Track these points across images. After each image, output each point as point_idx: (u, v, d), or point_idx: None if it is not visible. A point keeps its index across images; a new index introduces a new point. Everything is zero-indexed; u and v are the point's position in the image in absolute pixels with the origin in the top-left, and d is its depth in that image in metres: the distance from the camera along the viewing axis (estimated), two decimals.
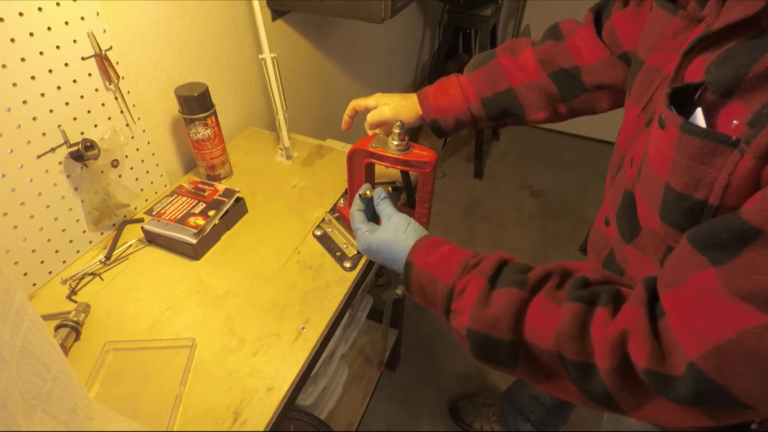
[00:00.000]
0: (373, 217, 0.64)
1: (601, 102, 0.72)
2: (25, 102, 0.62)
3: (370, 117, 0.78)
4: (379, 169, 0.73)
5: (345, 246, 0.77)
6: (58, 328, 0.62)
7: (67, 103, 0.67)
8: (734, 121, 0.36)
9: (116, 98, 0.74)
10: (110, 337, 0.63)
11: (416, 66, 2.35)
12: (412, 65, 2.30)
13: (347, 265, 0.73)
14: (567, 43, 0.71)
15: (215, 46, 0.96)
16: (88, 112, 0.71)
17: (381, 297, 0.92)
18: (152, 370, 0.59)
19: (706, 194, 0.38)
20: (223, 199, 0.79)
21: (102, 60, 0.70)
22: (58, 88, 0.65)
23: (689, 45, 0.42)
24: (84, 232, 0.75)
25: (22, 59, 0.60)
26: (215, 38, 0.95)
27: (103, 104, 0.72)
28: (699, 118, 0.38)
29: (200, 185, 0.83)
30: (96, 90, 0.71)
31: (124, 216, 0.81)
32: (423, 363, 1.58)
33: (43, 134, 0.65)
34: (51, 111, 0.65)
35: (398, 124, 0.61)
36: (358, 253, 0.75)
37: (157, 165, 0.86)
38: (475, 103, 0.72)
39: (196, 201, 0.79)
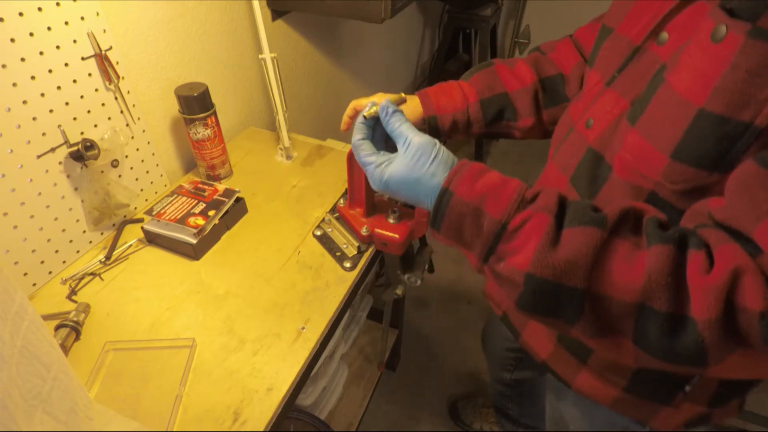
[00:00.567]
0: (382, 141, 0.54)
1: None
2: (25, 102, 0.62)
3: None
4: None
5: (345, 246, 0.77)
6: (58, 328, 0.62)
7: (67, 103, 0.67)
8: None
9: (116, 98, 0.74)
10: (110, 337, 0.63)
11: (416, 66, 2.35)
12: (412, 65, 2.30)
13: (347, 265, 0.73)
14: (550, 56, 0.75)
15: (215, 46, 0.96)
16: (88, 112, 0.71)
17: (381, 297, 0.92)
18: (152, 370, 0.59)
19: (754, 114, 0.37)
20: (223, 199, 0.79)
21: (102, 60, 0.70)
22: (58, 88, 0.65)
23: None
24: (84, 232, 0.75)
25: (22, 59, 0.60)
26: (215, 38, 0.95)
27: (103, 104, 0.72)
28: None
29: (200, 185, 0.83)
30: (96, 90, 0.71)
31: (124, 216, 0.81)
32: (423, 363, 1.58)
33: (43, 134, 0.65)
34: (51, 111, 0.65)
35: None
36: (358, 252, 0.75)
37: (157, 165, 0.86)
38: (474, 104, 0.73)
39: (196, 201, 0.79)
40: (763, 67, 0.36)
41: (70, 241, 0.73)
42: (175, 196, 0.80)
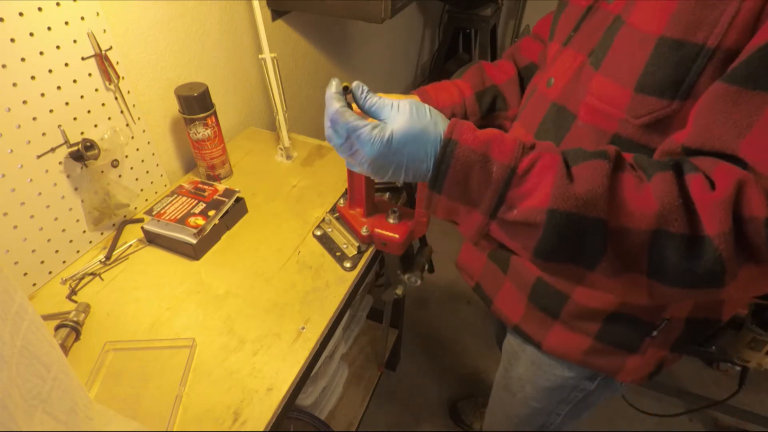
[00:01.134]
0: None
1: None
2: (25, 102, 0.62)
3: None
4: None
5: (345, 246, 0.77)
6: (58, 328, 0.62)
7: (67, 103, 0.67)
8: None
9: (116, 98, 0.74)
10: (110, 337, 0.63)
11: (416, 66, 2.35)
12: (412, 65, 2.30)
13: (347, 265, 0.73)
14: (521, 50, 0.80)
15: (215, 46, 0.96)
16: (88, 112, 0.71)
17: (381, 297, 0.92)
18: (152, 370, 0.59)
19: (706, 35, 0.39)
20: (223, 199, 0.79)
21: (102, 60, 0.70)
22: (58, 88, 0.65)
23: None
24: (84, 232, 0.75)
25: (22, 59, 0.60)
26: (215, 38, 0.95)
27: (103, 104, 0.72)
28: None
29: (200, 185, 0.83)
30: (96, 90, 0.71)
31: (124, 216, 0.81)
32: (423, 363, 1.58)
33: (43, 134, 0.65)
34: (51, 111, 0.65)
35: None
36: (358, 252, 0.75)
37: (157, 165, 0.86)
38: (469, 97, 0.75)
39: (196, 201, 0.79)
40: None
41: (70, 241, 0.73)
42: (175, 196, 0.80)
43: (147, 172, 0.84)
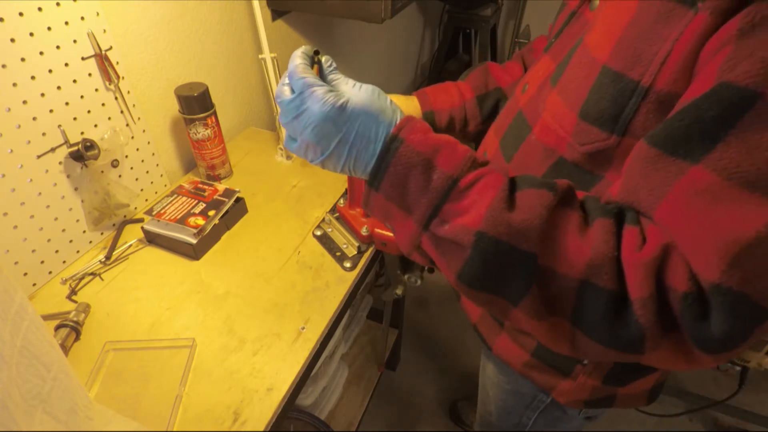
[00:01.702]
0: None
1: None
2: (25, 102, 0.62)
3: None
4: None
5: (345, 246, 0.77)
6: (58, 328, 0.62)
7: (67, 103, 0.67)
8: None
9: (116, 98, 0.74)
10: (110, 337, 0.63)
11: (416, 66, 2.35)
12: (412, 65, 2.30)
13: (347, 265, 0.73)
14: (533, 47, 0.77)
15: (215, 46, 0.96)
16: (88, 112, 0.71)
17: (381, 297, 0.92)
18: (152, 370, 0.59)
19: (642, 71, 0.37)
20: (223, 199, 0.79)
21: (102, 60, 0.70)
22: (58, 88, 0.65)
23: None
24: (84, 232, 0.75)
25: (22, 59, 0.60)
26: (215, 38, 0.95)
27: (103, 104, 0.72)
28: None
29: (200, 185, 0.83)
30: (96, 90, 0.71)
31: (124, 216, 0.81)
32: (423, 363, 1.58)
33: (43, 134, 0.65)
34: (51, 111, 0.65)
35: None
36: (358, 252, 0.75)
37: (157, 165, 0.86)
38: (470, 100, 0.73)
39: (196, 201, 0.79)
40: (655, 22, 0.37)
41: (70, 241, 0.73)
42: (175, 196, 0.80)
43: (147, 172, 0.84)
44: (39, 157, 0.65)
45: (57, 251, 0.71)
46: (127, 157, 0.79)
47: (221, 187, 0.82)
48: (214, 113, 0.84)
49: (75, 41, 0.66)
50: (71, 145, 0.68)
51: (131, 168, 0.81)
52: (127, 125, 0.78)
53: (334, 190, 0.89)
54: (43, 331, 0.44)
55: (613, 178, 0.43)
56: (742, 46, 0.30)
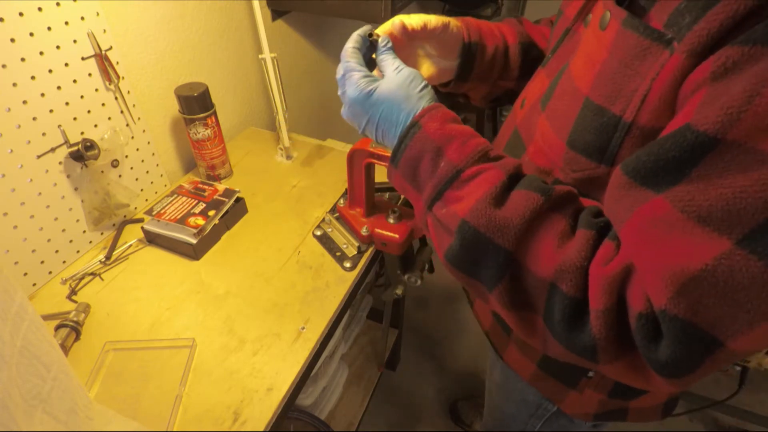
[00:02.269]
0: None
1: None
2: (25, 102, 0.62)
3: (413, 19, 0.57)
4: (379, 169, 0.73)
5: (345, 246, 0.77)
6: (58, 328, 0.62)
7: (67, 103, 0.67)
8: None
9: (116, 98, 0.74)
10: (110, 337, 0.63)
11: None
12: None
13: (347, 265, 0.73)
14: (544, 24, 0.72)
15: (215, 46, 0.96)
16: (88, 112, 0.71)
17: (381, 297, 0.92)
18: (152, 370, 0.59)
19: (623, 107, 0.37)
20: (223, 199, 0.79)
21: (102, 60, 0.70)
22: (58, 88, 0.65)
23: None
24: (84, 232, 0.75)
25: (22, 59, 0.60)
26: (215, 38, 0.95)
27: (103, 104, 0.72)
28: None
29: (200, 185, 0.83)
30: (96, 90, 0.71)
31: (124, 216, 0.81)
32: (423, 363, 1.58)
33: (43, 134, 0.65)
34: (51, 111, 0.65)
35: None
36: (358, 252, 0.75)
37: (157, 165, 0.86)
38: (514, 45, 0.64)
39: (196, 201, 0.79)
40: (632, 58, 0.36)
41: (70, 241, 0.73)
42: (175, 196, 0.80)
43: (147, 172, 0.84)
44: (39, 157, 0.65)
45: (57, 251, 0.71)
46: (127, 157, 0.79)
47: (221, 187, 0.82)
48: (214, 113, 0.84)
49: (75, 41, 0.66)
50: (71, 145, 0.68)
51: (131, 168, 0.81)
52: (127, 125, 0.78)
53: (334, 190, 0.89)
54: (43, 331, 0.44)
55: None
56: (713, 91, 0.31)
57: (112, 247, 0.75)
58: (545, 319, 0.38)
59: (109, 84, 0.72)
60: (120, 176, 0.79)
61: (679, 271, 0.30)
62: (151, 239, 0.78)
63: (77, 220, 0.73)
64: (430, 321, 1.70)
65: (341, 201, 0.82)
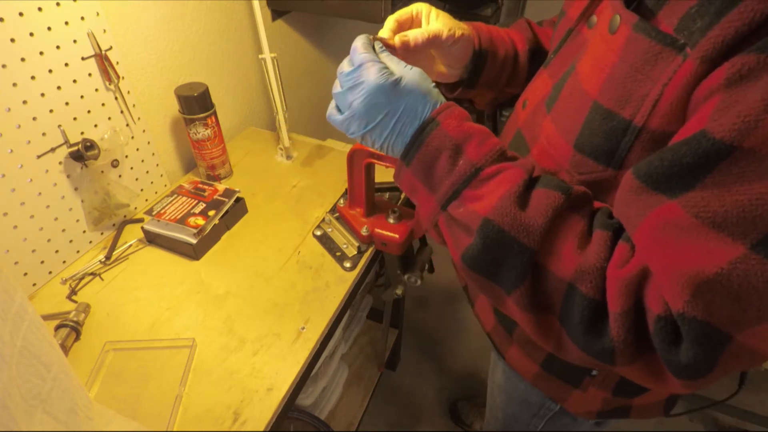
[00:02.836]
0: None
1: None
2: (25, 102, 0.62)
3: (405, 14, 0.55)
4: (379, 169, 0.73)
5: (345, 246, 0.77)
6: (58, 328, 0.62)
7: (67, 103, 0.67)
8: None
9: (116, 98, 0.74)
10: (110, 337, 0.63)
11: None
12: None
13: (347, 265, 0.73)
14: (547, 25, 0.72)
15: (215, 46, 0.96)
16: (88, 112, 0.71)
17: (381, 297, 0.92)
18: (152, 370, 0.59)
19: (633, 111, 0.37)
20: (223, 199, 0.79)
21: (102, 60, 0.70)
22: (58, 88, 0.65)
23: None
24: (84, 232, 0.75)
25: (22, 59, 0.60)
26: (215, 38, 0.95)
27: (103, 104, 0.72)
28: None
29: (200, 185, 0.83)
30: (96, 90, 0.71)
31: (124, 216, 0.81)
32: (423, 363, 1.58)
33: (43, 134, 0.65)
34: (51, 111, 0.65)
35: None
36: (358, 252, 0.75)
37: (157, 165, 0.86)
38: (523, 51, 0.64)
39: (196, 201, 0.79)
40: (643, 62, 0.36)
41: (70, 241, 0.73)
42: (175, 196, 0.80)
43: (147, 172, 0.84)
44: (39, 157, 0.65)
45: (57, 251, 0.71)
46: (127, 157, 0.79)
47: (221, 187, 0.82)
48: (214, 113, 0.84)
49: (75, 41, 0.66)
50: (71, 145, 0.68)
51: (131, 168, 0.81)
52: (127, 125, 0.78)
53: (334, 190, 0.89)
54: (43, 331, 0.44)
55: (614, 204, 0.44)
56: (727, 98, 0.31)
57: (112, 247, 0.75)
58: (562, 322, 0.38)
59: (109, 84, 0.72)
60: (120, 176, 0.79)
61: (694, 274, 0.31)
62: (151, 239, 0.78)
63: (77, 220, 0.73)
64: (430, 321, 1.70)
65: (341, 201, 0.82)
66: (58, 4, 0.62)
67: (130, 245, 0.77)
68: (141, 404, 0.56)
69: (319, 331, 0.65)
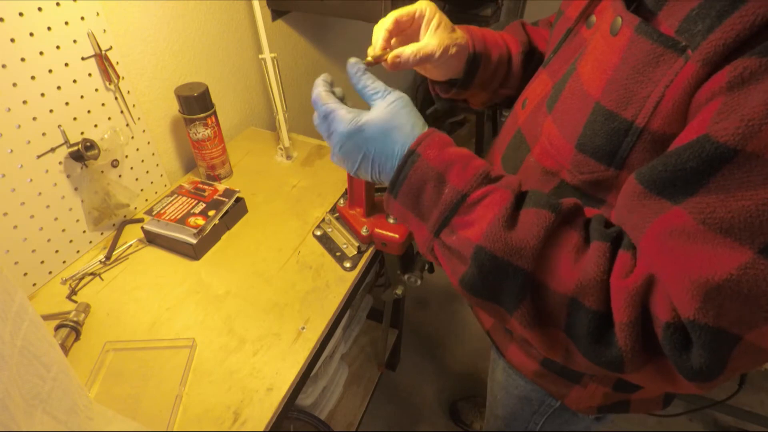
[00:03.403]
0: None
1: None
2: (25, 102, 0.62)
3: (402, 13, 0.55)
4: None
5: (345, 246, 0.77)
6: (58, 328, 0.62)
7: (67, 103, 0.67)
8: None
9: (116, 98, 0.74)
10: (110, 337, 0.63)
11: None
12: None
13: (347, 265, 0.73)
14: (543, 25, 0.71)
15: (215, 46, 0.96)
16: (88, 112, 0.71)
17: (381, 297, 0.92)
18: (152, 370, 0.59)
19: (635, 112, 0.38)
20: (223, 199, 0.79)
21: (102, 60, 0.70)
22: (58, 88, 0.65)
23: None
24: (84, 232, 0.75)
25: (22, 59, 0.60)
26: (215, 38, 0.95)
27: (103, 104, 0.72)
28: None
29: (200, 185, 0.83)
30: (96, 90, 0.71)
31: (124, 216, 0.81)
32: (423, 363, 1.58)
33: (43, 134, 0.65)
34: (51, 111, 0.65)
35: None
36: (358, 252, 0.75)
37: (157, 165, 0.86)
38: (517, 54, 0.64)
39: (196, 201, 0.79)
40: (645, 64, 0.37)
41: (70, 241, 0.73)
42: (175, 196, 0.80)
43: (147, 172, 0.84)
44: (39, 157, 0.65)
45: (57, 251, 0.71)
46: (127, 157, 0.79)
47: (221, 187, 0.82)
48: (214, 113, 0.84)
49: (75, 41, 0.66)
50: (71, 145, 0.68)
51: (131, 168, 0.81)
52: (127, 125, 0.78)
53: (334, 190, 0.89)
54: (43, 331, 0.44)
55: (614, 202, 0.44)
56: (729, 101, 0.31)
57: (112, 247, 0.75)
58: (568, 335, 0.38)
59: (109, 84, 0.72)
60: (120, 176, 0.79)
61: (704, 281, 0.31)
62: (151, 239, 0.78)
63: (77, 220, 0.73)
64: (430, 321, 1.70)
65: (341, 201, 0.82)
66: (58, 4, 0.62)
67: (130, 245, 0.77)
68: (141, 404, 0.56)
69: (319, 331, 0.65)
